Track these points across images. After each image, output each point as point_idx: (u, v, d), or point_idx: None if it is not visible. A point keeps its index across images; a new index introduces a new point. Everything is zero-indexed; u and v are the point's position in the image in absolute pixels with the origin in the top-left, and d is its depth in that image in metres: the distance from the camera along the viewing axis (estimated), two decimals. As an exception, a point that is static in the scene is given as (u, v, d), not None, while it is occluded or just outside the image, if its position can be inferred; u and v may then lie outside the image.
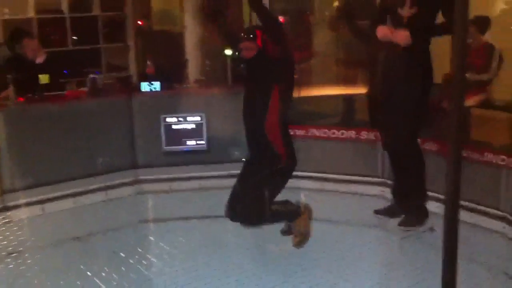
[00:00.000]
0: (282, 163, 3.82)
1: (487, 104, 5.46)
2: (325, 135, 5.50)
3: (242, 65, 3.98)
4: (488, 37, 5.59)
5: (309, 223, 4.09)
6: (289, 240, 4.06)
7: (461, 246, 3.99)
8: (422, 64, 4.26)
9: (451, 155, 1.82)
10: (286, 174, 3.91)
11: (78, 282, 3.76)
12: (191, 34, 6.50)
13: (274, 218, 3.94)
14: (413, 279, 3.68)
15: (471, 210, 4.51)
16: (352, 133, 5.38)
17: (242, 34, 3.87)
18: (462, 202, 4.36)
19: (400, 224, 4.48)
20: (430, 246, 4.04)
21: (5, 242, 4.49)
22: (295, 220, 4.01)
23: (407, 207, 4.55)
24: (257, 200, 3.80)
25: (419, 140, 4.51)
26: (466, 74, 5.37)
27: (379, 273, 3.83)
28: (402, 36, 4.15)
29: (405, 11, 4.20)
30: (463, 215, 4.40)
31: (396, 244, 4.32)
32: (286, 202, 4.02)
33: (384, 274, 3.84)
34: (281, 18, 6.84)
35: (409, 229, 4.42)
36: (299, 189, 5.15)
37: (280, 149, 3.81)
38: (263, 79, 3.78)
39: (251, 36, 3.76)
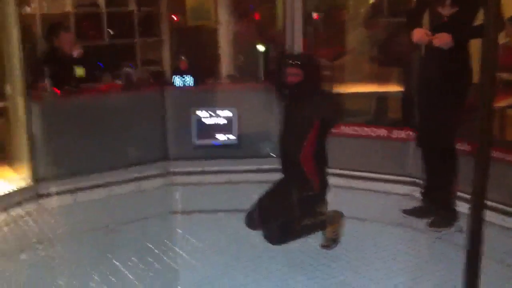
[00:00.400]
0: (314, 189, 3.86)
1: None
2: (355, 133, 5.46)
3: (285, 91, 3.92)
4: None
5: (341, 231, 4.09)
6: (315, 238, 4.06)
7: (492, 247, 3.96)
8: (461, 63, 4.19)
9: (478, 155, 1.78)
10: (316, 199, 3.93)
11: (105, 271, 3.82)
12: (225, 29, 6.53)
13: (302, 233, 3.95)
14: (440, 279, 3.63)
15: (504, 212, 4.42)
16: (383, 132, 5.33)
17: (287, 59, 3.87)
18: (494, 204, 4.35)
19: (430, 225, 4.41)
20: (459, 247, 3.96)
21: (36, 230, 4.60)
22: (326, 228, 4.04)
23: (437, 207, 4.48)
24: (285, 224, 3.87)
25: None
26: (504, 74, 5.34)
27: (406, 273, 3.78)
28: (444, 40, 4.07)
29: (446, 10, 4.12)
30: (494, 217, 4.39)
31: (425, 245, 4.26)
32: (315, 213, 4.00)
33: (411, 274, 3.79)
34: (314, 15, 6.83)
35: (439, 230, 4.35)
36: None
37: (313, 177, 3.83)
38: (304, 111, 3.77)
39: (297, 62, 3.76)
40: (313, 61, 3.96)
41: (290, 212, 3.83)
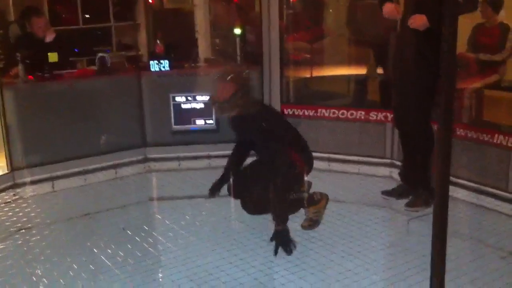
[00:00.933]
0: (297, 170, 3.90)
1: (499, 85, 5.37)
2: (334, 116, 5.46)
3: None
4: (502, 17, 5.48)
5: (322, 213, 4.12)
6: (296, 219, 4.07)
7: (470, 227, 4.03)
8: (435, 44, 4.18)
9: (441, 135, 1.79)
10: (297, 179, 3.97)
11: (84, 258, 3.79)
12: (202, 12, 6.46)
13: (279, 207, 3.87)
14: (413, 256, 3.67)
15: (478, 191, 4.49)
16: (361, 114, 5.33)
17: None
18: (472, 184, 4.41)
19: (406, 205, 4.45)
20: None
21: (14, 218, 4.54)
22: (309, 206, 4.08)
23: (414, 188, 4.52)
24: (261, 195, 3.92)
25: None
26: (480, 54, 5.37)
27: (384, 252, 3.82)
28: (419, 21, 4.04)
29: None
30: (469, 196, 4.47)
31: (403, 225, 4.30)
32: (295, 191, 4.02)
33: (387, 250, 3.84)
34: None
35: (415, 210, 4.38)
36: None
37: (298, 162, 3.89)
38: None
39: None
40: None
41: (268, 186, 3.80)
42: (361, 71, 6.50)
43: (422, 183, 4.44)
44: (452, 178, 4.29)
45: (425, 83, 4.19)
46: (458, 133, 4.61)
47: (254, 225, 4.23)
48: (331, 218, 4.33)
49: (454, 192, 4.43)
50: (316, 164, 5.34)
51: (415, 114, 4.32)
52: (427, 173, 4.44)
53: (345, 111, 5.42)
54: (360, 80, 6.34)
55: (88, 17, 6.75)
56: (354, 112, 5.35)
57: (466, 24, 5.21)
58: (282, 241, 3.73)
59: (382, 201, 4.66)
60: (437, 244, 1.90)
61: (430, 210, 4.35)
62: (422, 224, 4.10)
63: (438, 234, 1.87)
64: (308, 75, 6.85)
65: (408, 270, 3.52)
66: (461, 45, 5.32)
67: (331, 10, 7.18)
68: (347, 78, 6.59)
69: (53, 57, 5.40)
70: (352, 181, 5.21)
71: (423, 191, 4.43)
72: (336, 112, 5.46)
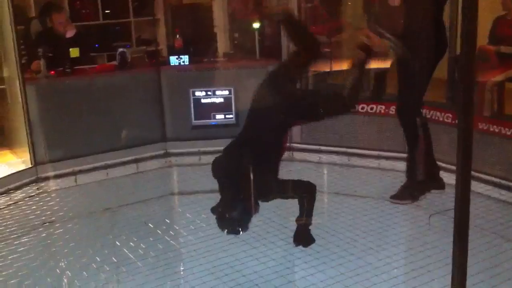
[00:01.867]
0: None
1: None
2: (353, 110, 5.43)
3: None
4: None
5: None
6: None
7: (491, 221, 3.99)
8: (433, 34, 4.14)
9: (461, 128, 1.79)
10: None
11: (106, 251, 3.85)
12: (220, 7, 6.47)
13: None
14: (439, 253, 3.65)
15: (501, 186, 4.46)
16: (381, 108, 5.32)
17: None
18: (493, 178, 4.37)
19: (391, 197, 4.44)
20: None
21: (38, 212, 4.62)
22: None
23: (414, 180, 4.47)
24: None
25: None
26: (501, 47, 5.31)
27: (405, 247, 3.82)
28: None
29: None
30: (491, 190, 4.43)
31: (424, 219, 4.28)
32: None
33: (411, 248, 3.83)
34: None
35: (398, 203, 4.35)
36: (326, 164, 5.16)
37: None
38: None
39: None
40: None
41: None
42: (380, 64, 6.46)
43: (409, 175, 4.40)
44: (472, 172, 4.29)
45: (415, 72, 4.14)
46: (479, 126, 4.57)
47: (274, 218, 4.25)
48: (352, 212, 4.34)
49: (475, 186, 4.40)
50: (336, 158, 5.40)
51: (407, 105, 4.30)
52: (414, 165, 4.39)
53: (364, 105, 5.41)
54: (379, 74, 6.30)
55: (107, 13, 6.79)
56: (374, 106, 5.34)
57: (487, 16, 5.16)
58: (304, 236, 3.73)
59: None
60: (458, 239, 1.89)
61: (451, 204, 4.33)
62: (444, 218, 4.09)
63: (459, 229, 1.87)
64: (327, 69, 6.82)
65: (429, 265, 3.52)
66: (482, 38, 5.27)
67: (349, 3, 7.15)
68: (367, 71, 6.55)
69: (74, 52, 5.47)
70: (372, 175, 5.19)
71: (409, 183, 4.39)
72: (356, 106, 5.44)
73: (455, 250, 1.96)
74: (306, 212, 3.66)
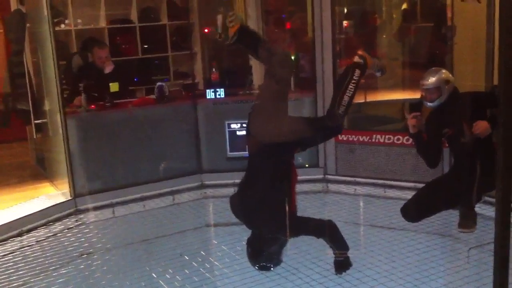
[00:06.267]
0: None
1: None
2: (389, 141, 5.42)
3: None
4: None
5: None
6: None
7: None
8: None
9: (500, 159, 1.76)
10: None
11: (143, 283, 3.89)
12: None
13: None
14: (472, 285, 3.58)
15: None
16: (417, 138, 5.25)
17: None
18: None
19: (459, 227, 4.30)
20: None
21: (76, 244, 4.69)
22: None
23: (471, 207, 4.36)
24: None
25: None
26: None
27: (443, 280, 3.74)
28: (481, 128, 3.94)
29: None
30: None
31: (462, 252, 4.19)
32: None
33: (449, 281, 3.74)
34: (345, 23, 6.81)
35: (466, 231, 4.23)
36: (362, 195, 5.12)
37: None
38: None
39: None
40: None
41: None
42: (416, 95, 6.43)
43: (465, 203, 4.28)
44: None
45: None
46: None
47: (310, 251, 4.22)
48: (388, 245, 4.28)
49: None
50: (372, 190, 5.36)
51: None
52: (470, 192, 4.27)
53: (400, 137, 5.37)
54: (415, 104, 6.26)
55: (146, 47, 6.96)
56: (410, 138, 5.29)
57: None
58: (344, 267, 3.68)
59: (440, 228, 4.56)
60: (499, 273, 1.85)
61: (489, 237, 4.24)
62: (483, 251, 4.00)
63: (499, 263, 1.83)
64: (362, 100, 6.82)
65: (469, 300, 3.44)
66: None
67: (384, 36, 7.17)
68: (402, 102, 6.53)
69: (114, 87, 5.61)
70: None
71: (467, 210, 4.28)
72: (392, 137, 5.42)
73: (496, 285, 1.92)
74: (335, 247, 3.65)
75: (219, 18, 3.38)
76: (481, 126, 3.92)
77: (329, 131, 3.85)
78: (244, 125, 5.64)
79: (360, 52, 3.73)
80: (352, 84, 3.57)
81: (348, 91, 3.56)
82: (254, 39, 3.82)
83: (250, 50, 3.98)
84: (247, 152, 3.87)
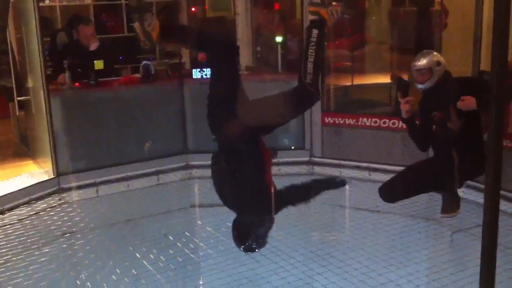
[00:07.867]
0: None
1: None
2: (375, 125, 5.41)
3: None
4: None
5: None
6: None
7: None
8: None
9: (491, 145, 1.75)
10: None
11: (127, 263, 3.86)
12: (243, 20, 6.51)
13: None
14: (462, 271, 3.59)
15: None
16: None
17: None
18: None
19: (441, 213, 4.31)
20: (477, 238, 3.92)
21: (59, 223, 4.64)
22: None
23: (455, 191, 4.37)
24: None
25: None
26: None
27: (427, 264, 3.77)
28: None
29: None
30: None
31: (446, 237, 4.22)
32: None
33: (433, 265, 3.77)
34: (334, 4, 6.74)
35: (447, 216, 4.24)
36: (347, 178, 5.10)
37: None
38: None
39: None
40: None
41: None
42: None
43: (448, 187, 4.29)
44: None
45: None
46: (504, 144, 4.49)
47: (294, 232, 4.23)
48: (373, 228, 4.30)
49: (502, 205, 4.31)
50: (357, 173, 5.36)
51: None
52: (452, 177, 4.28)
53: (386, 120, 5.37)
54: (403, 85, 6.24)
55: (132, 25, 6.85)
56: (396, 122, 5.29)
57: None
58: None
59: (424, 212, 4.58)
60: (486, 258, 1.84)
61: (473, 221, 4.27)
62: (467, 235, 4.03)
63: (487, 249, 1.82)
64: (349, 83, 6.81)
65: (453, 283, 3.46)
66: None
67: (374, 18, 7.13)
68: (389, 86, 6.52)
69: (99, 64, 5.52)
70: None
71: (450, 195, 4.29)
72: (378, 121, 5.41)
73: (483, 269, 1.90)
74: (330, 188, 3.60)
75: (136, 26, 3.18)
76: (468, 100, 3.90)
77: (303, 102, 3.49)
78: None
79: (311, 8, 3.33)
80: (312, 48, 3.18)
81: (309, 56, 3.19)
82: (179, 31, 3.63)
83: (179, 43, 3.82)
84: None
